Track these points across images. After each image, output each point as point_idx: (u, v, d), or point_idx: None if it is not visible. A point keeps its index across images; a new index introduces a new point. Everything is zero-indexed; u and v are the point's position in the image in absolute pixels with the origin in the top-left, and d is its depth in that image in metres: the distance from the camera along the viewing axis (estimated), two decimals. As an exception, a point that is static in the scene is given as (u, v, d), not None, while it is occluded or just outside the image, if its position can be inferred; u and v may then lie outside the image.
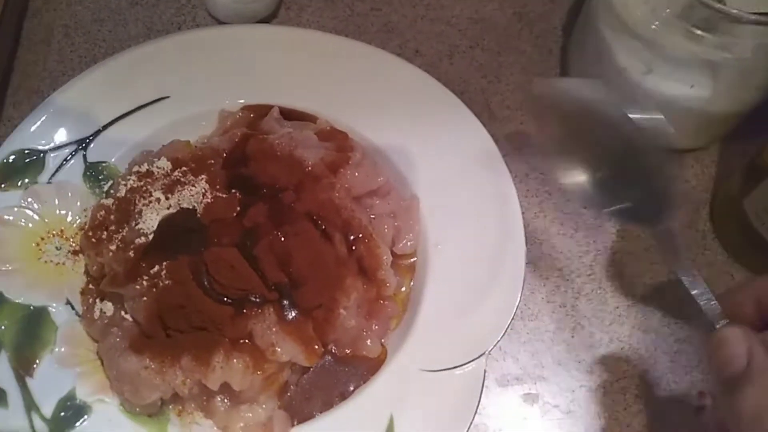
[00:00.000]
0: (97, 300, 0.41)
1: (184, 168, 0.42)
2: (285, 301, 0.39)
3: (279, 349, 0.38)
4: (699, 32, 0.42)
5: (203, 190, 0.42)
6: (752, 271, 0.48)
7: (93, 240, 0.42)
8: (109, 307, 0.40)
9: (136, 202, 0.41)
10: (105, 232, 0.42)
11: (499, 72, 0.56)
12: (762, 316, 0.33)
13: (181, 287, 0.38)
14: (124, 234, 0.41)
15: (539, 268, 0.48)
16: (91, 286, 0.42)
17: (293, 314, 0.39)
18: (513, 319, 0.43)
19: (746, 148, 0.49)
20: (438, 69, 0.56)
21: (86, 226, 0.43)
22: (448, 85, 0.51)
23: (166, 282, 0.39)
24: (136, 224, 0.41)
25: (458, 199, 0.46)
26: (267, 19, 0.57)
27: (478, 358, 0.40)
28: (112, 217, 0.41)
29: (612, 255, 0.49)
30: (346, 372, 0.41)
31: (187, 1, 0.58)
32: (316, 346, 0.39)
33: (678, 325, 0.47)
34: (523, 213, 0.49)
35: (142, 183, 0.42)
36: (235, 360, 0.38)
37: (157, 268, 0.39)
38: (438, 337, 0.41)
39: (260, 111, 0.48)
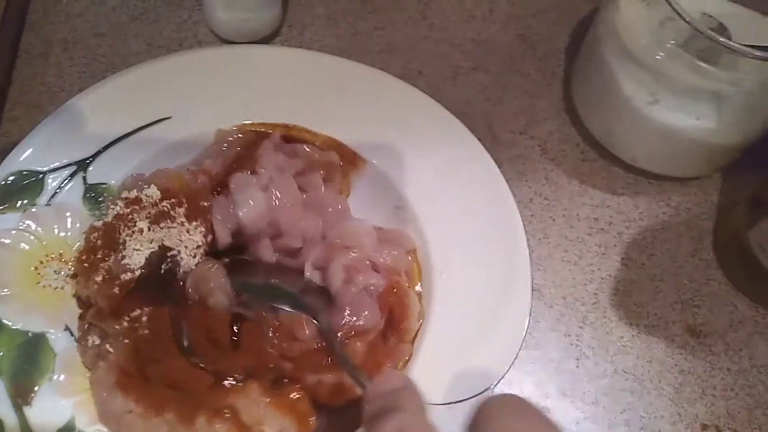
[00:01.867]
0: (90, 326, 0.40)
1: (173, 200, 0.41)
2: (276, 377, 0.38)
3: (265, 428, 0.36)
4: (703, 64, 0.42)
5: (200, 242, 0.41)
6: (755, 302, 0.48)
7: (86, 264, 0.41)
8: (96, 338, 0.39)
9: (121, 230, 0.40)
10: (94, 257, 0.41)
11: (502, 95, 0.56)
12: None
13: (158, 340, 0.37)
14: (111, 264, 0.39)
15: (544, 296, 0.48)
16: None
17: (284, 385, 0.38)
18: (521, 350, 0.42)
19: (751, 178, 0.50)
20: (441, 90, 0.55)
21: (82, 250, 0.42)
22: (451, 107, 0.51)
23: (145, 331, 0.38)
24: (122, 257, 0.40)
25: (462, 225, 0.45)
26: (269, 38, 0.56)
27: (483, 392, 0.39)
28: (99, 242, 0.40)
29: (616, 283, 0.49)
30: (349, 412, 0.40)
31: (188, 17, 0.57)
32: (311, 420, 0.37)
33: (682, 356, 0.47)
34: (527, 239, 0.49)
35: (128, 210, 0.41)
36: (218, 426, 0.36)
37: (138, 312, 0.38)
38: (442, 370, 0.40)
39: (259, 133, 0.48)
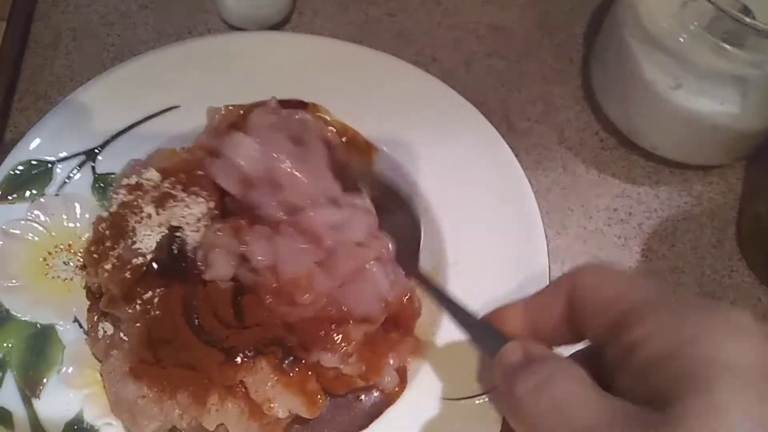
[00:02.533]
0: (101, 318, 0.39)
1: (173, 178, 0.41)
2: (283, 353, 0.37)
3: (275, 405, 0.36)
4: (727, 47, 0.41)
5: (200, 215, 0.40)
6: (781, 294, 0.47)
7: (95, 255, 0.40)
8: (109, 327, 0.39)
9: (128, 218, 0.40)
10: (103, 247, 0.40)
11: (518, 82, 0.55)
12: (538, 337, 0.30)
13: (170, 320, 0.37)
14: (120, 252, 0.39)
15: (560, 288, 0.47)
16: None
17: (293, 364, 0.37)
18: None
19: (775, 166, 0.48)
20: (455, 77, 0.54)
21: (90, 240, 0.41)
22: (465, 94, 0.50)
23: (156, 312, 0.37)
24: (132, 243, 0.39)
25: (476, 216, 0.44)
26: (280, 25, 0.55)
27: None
28: (107, 232, 0.40)
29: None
30: (362, 406, 0.39)
31: (198, 5, 0.57)
32: (319, 397, 0.37)
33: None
34: (544, 230, 0.48)
35: (132, 197, 0.40)
36: (230, 404, 0.36)
37: (150, 294, 0.38)
38: (458, 364, 0.39)
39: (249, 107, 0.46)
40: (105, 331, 0.38)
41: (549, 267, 0.43)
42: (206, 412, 0.36)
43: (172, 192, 0.41)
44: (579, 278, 0.28)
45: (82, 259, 0.41)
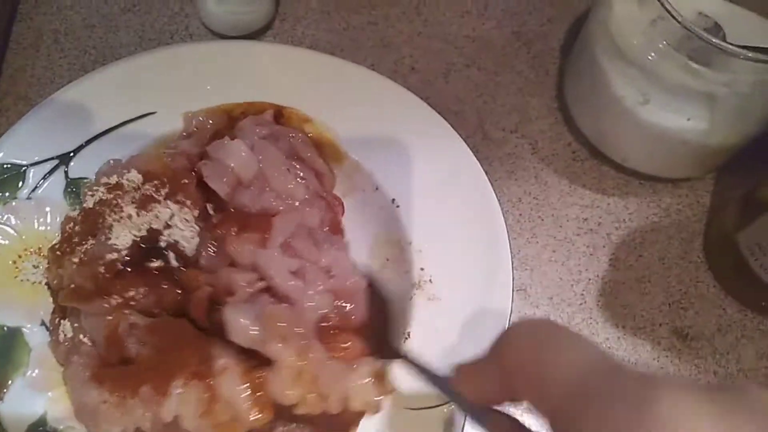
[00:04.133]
0: (61, 321, 0.40)
1: (156, 182, 0.41)
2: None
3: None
4: (696, 65, 0.42)
5: (185, 220, 0.41)
6: (744, 306, 0.48)
7: (58, 253, 0.41)
8: (68, 329, 0.39)
9: (106, 216, 0.40)
10: (68, 244, 0.40)
11: (495, 92, 0.55)
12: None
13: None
14: (89, 247, 0.39)
15: (530, 296, 0.48)
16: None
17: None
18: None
19: (742, 179, 0.49)
20: (433, 87, 0.55)
21: (57, 240, 0.42)
22: (443, 104, 0.50)
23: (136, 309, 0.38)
24: (107, 239, 0.39)
25: (444, 226, 0.45)
26: (261, 31, 0.56)
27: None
28: (77, 228, 0.40)
29: (603, 284, 0.48)
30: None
31: (180, 10, 0.57)
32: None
33: (669, 359, 0.46)
34: (515, 238, 0.49)
35: (111, 196, 0.41)
36: (194, 388, 0.36)
37: (133, 292, 0.38)
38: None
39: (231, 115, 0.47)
40: (65, 334, 0.39)
41: (512, 276, 0.43)
42: (167, 398, 0.35)
43: (155, 196, 0.41)
44: (507, 354, 0.26)
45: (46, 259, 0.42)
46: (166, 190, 0.41)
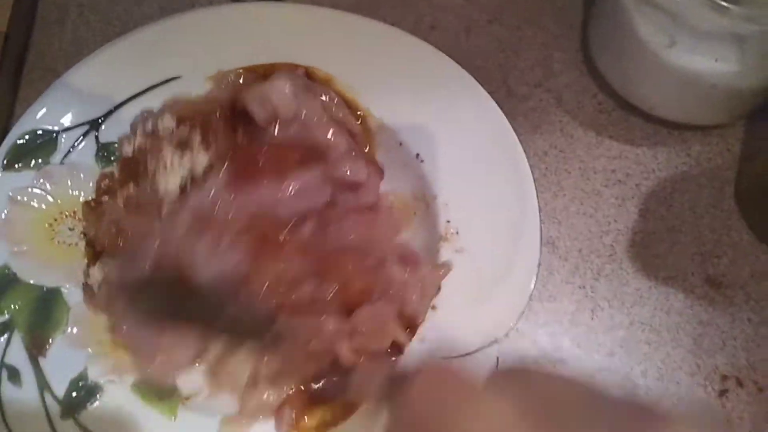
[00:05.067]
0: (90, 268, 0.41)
1: (188, 124, 0.42)
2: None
3: None
4: (724, 3, 0.41)
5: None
6: (779, 252, 0.47)
7: (92, 204, 0.42)
8: (96, 273, 0.40)
9: (148, 163, 0.41)
10: (107, 196, 0.42)
11: (518, 47, 0.54)
12: None
13: None
14: (132, 192, 0.41)
15: (558, 249, 0.47)
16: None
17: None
18: (530, 301, 0.42)
19: (775, 125, 0.48)
20: (455, 44, 0.54)
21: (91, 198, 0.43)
22: (465, 60, 0.49)
23: None
24: (153, 188, 0.40)
25: (472, 182, 0.45)
26: (283, -3, 0.56)
27: (489, 345, 0.39)
28: (116, 177, 0.41)
29: (633, 235, 0.48)
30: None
31: (200, -20, 0.57)
32: None
33: (702, 307, 0.46)
34: (541, 192, 0.48)
35: (149, 143, 0.42)
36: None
37: None
38: (451, 323, 0.40)
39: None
40: (96, 279, 0.40)
41: (543, 229, 0.43)
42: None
43: (189, 140, 0.42)
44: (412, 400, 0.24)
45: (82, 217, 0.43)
46: (199, 133, 0.41)
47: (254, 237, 0.37)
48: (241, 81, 0.47)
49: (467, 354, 0.39)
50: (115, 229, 0.40)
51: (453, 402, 0.23)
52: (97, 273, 0.40)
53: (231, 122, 0.42)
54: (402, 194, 0.46)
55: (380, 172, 0.46)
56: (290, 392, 0.39)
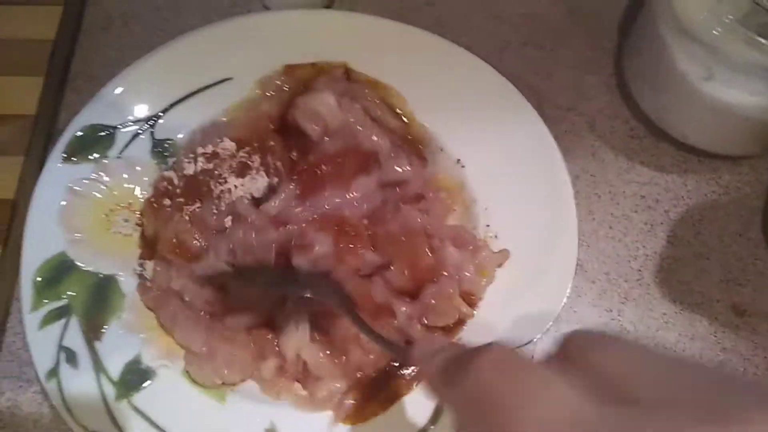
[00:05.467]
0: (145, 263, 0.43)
1: (248, 148, 0.44)
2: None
3: None
4: (762, 40, 0.42)
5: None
6: (803, 283, 0.48)
7: (155, 205, 0.44)
8: (150, 269, 0.42)
9: (211, 185, 0.43)
10: (169, 200, 0.44)
11: (551, 70, 0.56)
12: None
13: None
14: (197, 210, 0.43)
15: (586, 271, 0.48)
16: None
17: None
18: (557, 321, 0.43)
19: (804, 158, 0.49)
20: (489, 64, 0.56)
21: (150, 194, 0.45)
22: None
23: None
24: (218, 208, 0.43)
25: (512, 188, 0.46)
26: (322, 11, 0.57)
27: (525, 345, 0.41)
28: (178, 190, 0.43)
29: (661, 261, 0.49)
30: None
31: (242, -8, 0.59)
32: None
33: (725, 334, 0.47)
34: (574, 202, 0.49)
35: (212, 165, 0.44)
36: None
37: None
38: (488, 325, 0.42)
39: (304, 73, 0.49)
40: (149, 276, 0.42)
41: (578, 235, 0.45)
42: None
43: (249, 163, 0.44)
44: (474, 379, 0.24)
45: (140, 213, 0.44)
46: (258, 156, 0.44)
47: (332, 231, 0.39)
48: (286, 88, 0.48)
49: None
50: (177, 240, 0.42)
51: (520, 380, 0.22)
52: (150, 269, 0.42)
53: (284, 139, 0.45)
54: (446, 176, 0.47)
55: (423, 160, 0.47)
56: (354, 381, 0.40)
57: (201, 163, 0.44)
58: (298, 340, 0.39)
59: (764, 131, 0.47)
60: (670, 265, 0.49)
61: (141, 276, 0.43)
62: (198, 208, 0.42)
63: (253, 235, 0.40)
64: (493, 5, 0.59)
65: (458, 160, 0.47)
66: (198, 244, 0.41)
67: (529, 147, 0.47)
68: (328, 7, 0.58)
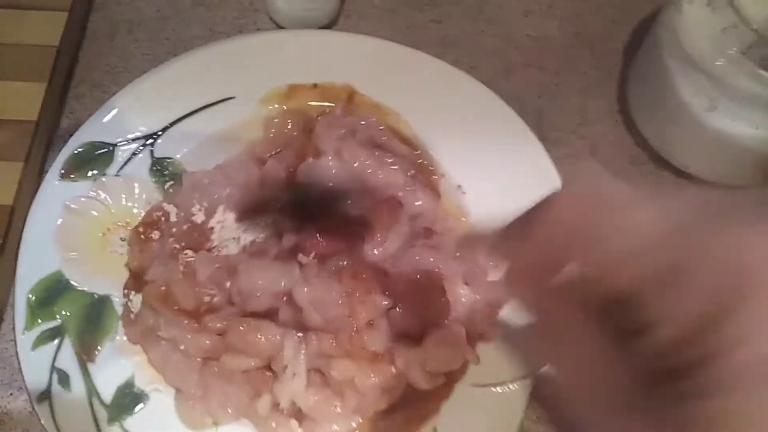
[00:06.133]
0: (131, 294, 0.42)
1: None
2: None
3: None
4: (765, 73, 0.42)
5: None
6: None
7: (141, 236, 0.43)
8: (137, 303, 0.42)
9: (208, 234, 0.43)
10: (158, 233, 0.43)
11: (555, 92, 0.56)
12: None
13: None
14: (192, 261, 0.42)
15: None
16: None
17: None
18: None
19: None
20: (493, 85, 0.55)
21: (139, 222, 0.44)
22: (502, 103, 0.51)
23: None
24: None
25: (511, 213, 0.45)
26: (326, 27, 0.57)
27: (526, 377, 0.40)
28: (174, 230, 0.43)
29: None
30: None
31: (249, 5, 0.59)
32: None
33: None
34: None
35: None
36: None
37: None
38: (489, 352, 0.41)
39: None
40: (134, 310, 0.41)
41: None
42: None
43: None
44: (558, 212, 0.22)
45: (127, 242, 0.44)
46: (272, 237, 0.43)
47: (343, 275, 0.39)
48: (287, 128, 0.48)
49: (503, 383, 0.40)
50: (167, 290, 0.41)
51: (602, 210, 0.20)
52: (136, 303, 0.41)
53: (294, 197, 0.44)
54: (449, 202, 0.47)
55: (437, 197, 0.47)
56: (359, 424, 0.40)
57: (200, 216, 0.44)
58: (292, 389, 0.38)
59: (766, 163, 0.47)
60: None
61: (126, 306, 0.42)
62: (192, 258, 0.41)
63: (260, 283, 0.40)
64: (501, 25, 0.59)
65: (459, 186, 0.47)
66: (190, 302, 0.40)
67: (532, 176, 0.47)
68: (333, 23, 0.58)
